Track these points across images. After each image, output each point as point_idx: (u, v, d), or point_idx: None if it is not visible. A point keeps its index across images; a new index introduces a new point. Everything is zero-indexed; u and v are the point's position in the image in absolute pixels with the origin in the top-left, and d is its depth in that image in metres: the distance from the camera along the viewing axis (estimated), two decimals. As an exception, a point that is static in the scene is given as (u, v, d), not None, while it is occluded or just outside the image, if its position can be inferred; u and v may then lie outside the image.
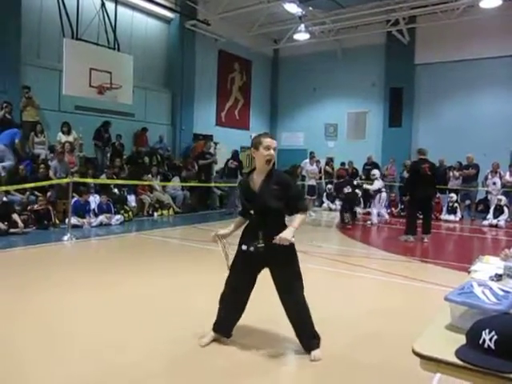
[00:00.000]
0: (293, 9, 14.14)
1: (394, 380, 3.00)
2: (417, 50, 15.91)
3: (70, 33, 9.86)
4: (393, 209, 13.03)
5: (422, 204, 8.88)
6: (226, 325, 3.37)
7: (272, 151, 3.12)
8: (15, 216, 8.01)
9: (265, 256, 3.12)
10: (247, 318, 3.46)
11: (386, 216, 12.32)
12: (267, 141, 3.13)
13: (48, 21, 11.31)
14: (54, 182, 9.11)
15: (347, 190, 10.89)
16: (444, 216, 12.34)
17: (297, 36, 15.68)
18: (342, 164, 15.47)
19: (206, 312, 3.55)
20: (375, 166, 14.24)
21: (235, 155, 12.86)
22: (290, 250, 3.14)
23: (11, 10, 10.46)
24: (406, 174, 12.38)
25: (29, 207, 8.71)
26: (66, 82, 9.63)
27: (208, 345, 3.34)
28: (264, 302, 3.57)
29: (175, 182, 12.10)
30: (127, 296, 4.61)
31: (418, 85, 16.09)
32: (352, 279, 5.73)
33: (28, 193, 8.99)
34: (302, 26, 14.86)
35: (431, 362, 1.54)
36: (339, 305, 4.59)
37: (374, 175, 11.33)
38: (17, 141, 9.66)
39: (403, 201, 12.92)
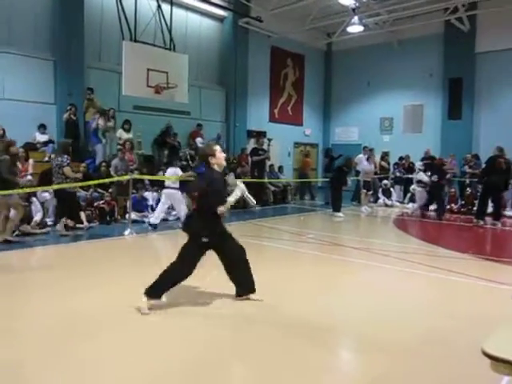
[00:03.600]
0: (346, 1, 13.90)
1: (461, 380, 2.91)
2: (478, 37, 15.15)
3: (128, 35, 10.23)
4: (452, 205, 12.51)
5: (493, 193, 10.01)
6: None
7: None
8: (82, 214, 8.42)
9: None
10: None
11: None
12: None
13: (108, 26, 11.82)
14: (116, 179, 9.48)
15: (434, 178, 10.91)
16: (509, 212, 11.73)
17: (350, 29, 15.37)
18: (400, 158, 15.05)
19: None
20: (433, 160, 13.74)
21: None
22: None
23: (75, 18, 11.07)
24: (467, 169, 11.91)
25: (95, 204, 9.16)
26: (125, 83, 10.01)
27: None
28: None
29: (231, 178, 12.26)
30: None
31: (479, 74, 15.34)
32: (411, 277, 5.58)
33: (92, 190, 9.44)
34: (356, 18, 14.55)
35: (502, 364, 1.49)
36: (398, 304, 4.50)
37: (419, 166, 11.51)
38: None
39: (463, 196, 12.44)
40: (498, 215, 10.21)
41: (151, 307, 3.91)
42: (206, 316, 3.91)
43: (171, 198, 8.65)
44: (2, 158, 6.95)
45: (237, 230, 9.22)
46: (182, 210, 8.53)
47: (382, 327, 3.80)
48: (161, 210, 8.73)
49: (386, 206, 13.55)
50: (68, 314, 3.89)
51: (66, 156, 7.55)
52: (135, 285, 4.11)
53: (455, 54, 15.44)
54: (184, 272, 3.97)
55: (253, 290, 4.27)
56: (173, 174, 8.71)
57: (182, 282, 4.05)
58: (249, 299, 4.26)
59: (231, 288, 4.29)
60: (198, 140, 12.99)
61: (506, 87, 14.71)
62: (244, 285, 4.25)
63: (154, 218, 8.66)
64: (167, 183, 8.71)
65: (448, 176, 11.33)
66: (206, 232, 3.95)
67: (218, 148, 4.17)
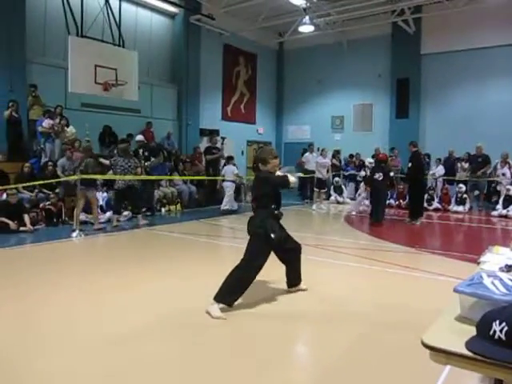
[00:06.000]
0: (297, 1, 14.06)
1: (404, 371, 2.99)
2: (423, 39, 15.74)
3: (74, 30, 9.88)
4: (401, 201, 12.93)
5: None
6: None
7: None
8: (25, 217, 8.04)
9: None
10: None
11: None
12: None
13: (53, 19, 11.35)
14: (63, 179, 9.15)
15: (378, 176, 9.91)
16: (453, 207, 12.25)
17: (301, 28, 15.58)
18: (351, 156, 15.38)
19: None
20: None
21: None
22: None
23: (15, 9, 10.50)
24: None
25: (41, 205, 8.79)
26: (72, 80, 9.66)
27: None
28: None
29: (175, 176, 12.09)
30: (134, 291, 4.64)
31: (424, 75, 15.94)
32: (360, 272, 5.71)
33: (37, 190, 9.05)
34: (307, 18, 14.76)
35: (441, 354, 1.53)
36: (347, 298, 4.58)
37: (371, 163, 11.65)
38: None
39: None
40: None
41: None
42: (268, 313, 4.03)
43: (226, 188, 11.28)
44: (88, 161, 8.54)
45: (189, 229, 9.16)
46: (228, 199, 11.17)
47: (328, 321, 3.86)
48: (227, 197, 11.19)
49: (338, 203, 13.82)
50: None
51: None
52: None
53: (402, 55, 15.96)
54: (252, 274, 3.96)
55: (299, 282, 4.58)
56: (230, 171, 11.33)
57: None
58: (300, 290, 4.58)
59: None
60: (139, 137, 12.46)
61: (449, 87, 15.35)
62: (293, 279, 4.53)
63: (229, 205, 11.13)
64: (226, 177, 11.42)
65: (392, 174, 10.61)
66: (269, 230, 3.95)
67: (273, 160, 4.13)
